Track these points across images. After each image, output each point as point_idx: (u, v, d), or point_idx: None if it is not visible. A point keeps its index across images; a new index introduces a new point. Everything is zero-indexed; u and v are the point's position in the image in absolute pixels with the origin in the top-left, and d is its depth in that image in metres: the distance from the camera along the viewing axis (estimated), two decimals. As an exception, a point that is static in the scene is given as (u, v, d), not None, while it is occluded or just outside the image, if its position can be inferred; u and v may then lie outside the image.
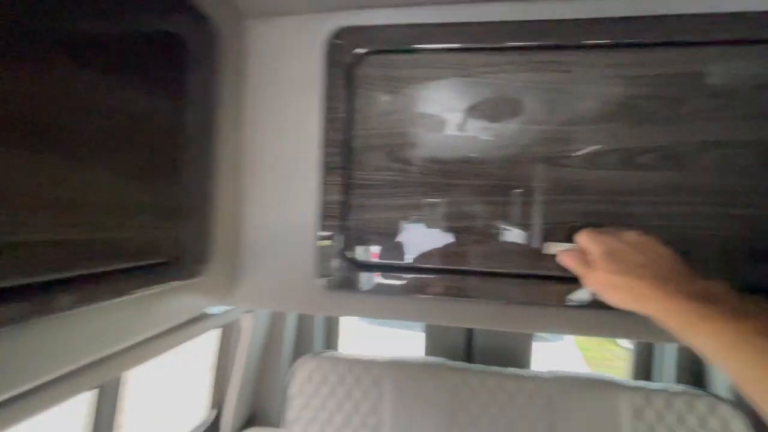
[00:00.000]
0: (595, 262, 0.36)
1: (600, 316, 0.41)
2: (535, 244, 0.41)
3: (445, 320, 0.42)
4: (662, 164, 0.39)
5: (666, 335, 0.43)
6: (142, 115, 0.32)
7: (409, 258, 0.42)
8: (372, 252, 0.42)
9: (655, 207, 0.39)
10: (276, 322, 1.05)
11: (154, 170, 0.34)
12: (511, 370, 0.88)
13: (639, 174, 0.39)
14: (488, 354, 0.99)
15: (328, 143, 0.42)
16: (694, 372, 0.96)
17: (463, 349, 1.02)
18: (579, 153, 0.40)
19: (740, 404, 0.81)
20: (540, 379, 0.84)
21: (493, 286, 0.41)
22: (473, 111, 0.40)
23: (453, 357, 0.97)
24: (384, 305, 0.42)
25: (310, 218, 0.43)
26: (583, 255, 0.38)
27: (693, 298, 0.30)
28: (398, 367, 0.89)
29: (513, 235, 0.41)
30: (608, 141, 0.39)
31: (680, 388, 0.82)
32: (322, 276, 0.42)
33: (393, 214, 0.42)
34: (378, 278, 0.42)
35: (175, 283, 0.36)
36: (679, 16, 0.38)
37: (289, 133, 0.44)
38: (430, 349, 1.04)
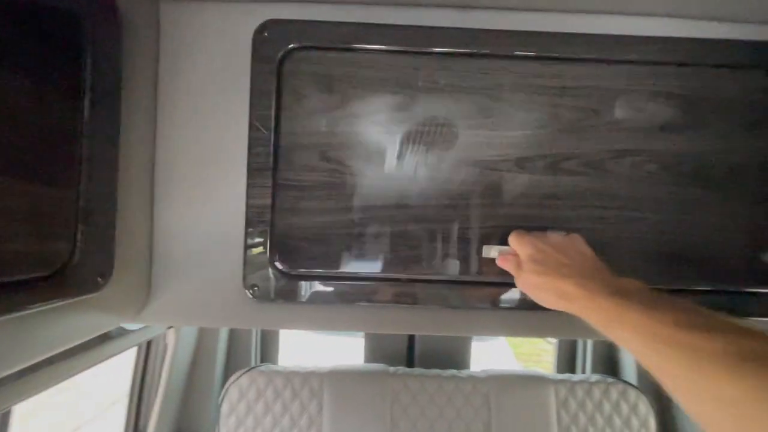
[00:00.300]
0: (522, 264, 0.37)
1: (533, 317, 0.42)
2: (471, 248, 0.41)
3: (384, 329, 0.41)
4: (583, 170, 0.42)
5: (593, 332, 0.46)
6: (21, 104, 0.27)
7: (343, 265, 0.40)
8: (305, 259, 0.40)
9: (579, 210, 0.42)
10: (206, 336, 0.98)
11: (40, 169, 0.29)
12: (449, 372, 0.90)
13: (564, 179, 0.42)
14: (429, 357, 1.00)
15: (255, 142, 0.39)
16: (608, 362, 1.06)
17: (405, 353, 1.03)
18: (510, 158, 0.41)
19: (645, 388, 0.91)
20: (476, 379, 0.87)
21: (432, 291, 0.41)
22: (408, 114, 0.40)
23: (394, 362, 0.97)
24: (319, 316, 0.40)
25: (236, 223, 0.39)
26: (516, 257, 0.39)
27: (612, 295, 0.31)
28: (337, 376, 0.87)
29: (450, 239, 0.41)
30: (536, 147, 0.41)
31: (597, 377, 0.89)
32: (251, 286, 0.39)
33: (326, 218, 0.40)
34: (311, 287, 0.40)
35: (69, 300, 0.31)
36: (594, 36, 0.41)
37: (212, 131, 0.40)
38: (370, 356, 1.03)
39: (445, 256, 0.41)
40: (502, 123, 0.41)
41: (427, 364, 0.96)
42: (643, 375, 0.97)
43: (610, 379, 0.89)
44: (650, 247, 0.42)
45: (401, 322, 0.41)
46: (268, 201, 0.39)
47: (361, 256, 0.40)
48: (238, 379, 0.88)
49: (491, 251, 0.41)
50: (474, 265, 0.41)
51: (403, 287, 0.41)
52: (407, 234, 0.41)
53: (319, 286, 0.40)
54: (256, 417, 0.85)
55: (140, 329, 0.74)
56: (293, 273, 0.39)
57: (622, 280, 0.33)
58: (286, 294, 0.39)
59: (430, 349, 1.01)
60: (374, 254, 0.41)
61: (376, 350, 1.03)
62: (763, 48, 0.41)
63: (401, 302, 0.40)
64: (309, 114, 0.39)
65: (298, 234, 0.39)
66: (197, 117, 0.40)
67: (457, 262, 0.41)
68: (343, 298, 0.40)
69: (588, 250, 0.37)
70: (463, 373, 0.90)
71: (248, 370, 0.89)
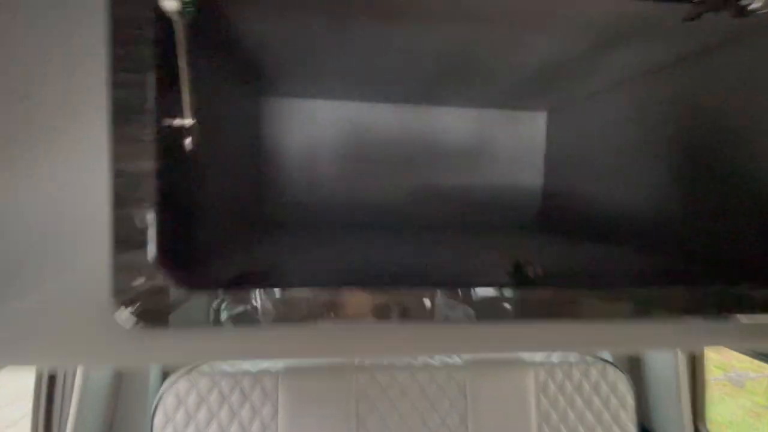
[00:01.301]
0: None
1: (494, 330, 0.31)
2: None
3: (330, 353, 0.28)
4: None
5: (573, 343, 0.35)
6: None
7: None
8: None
9: None
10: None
11: None
12: (421, 359, 0.81)
13: None
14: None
15: (119, 68, 0.23)
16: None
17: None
18: None
19: (620, 365, 0.87)
20: (451, 367, 0.79)
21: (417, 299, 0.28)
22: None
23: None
24: (237, 342, 0.27)
25: (95, 202, 0.24)
26: None
27: None
28: (294, 373, 0.75)
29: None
30: None
31: (576, 357, 0.84)
32: (126, 303, 0.25)
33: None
34: (226, 302, 0.26)
35: None
36: None
37: (48, 56, 0.24)
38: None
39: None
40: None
41: None
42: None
43: (588, 359, 0.84)
44: None
45: (370, 344, 0.28)
46: (149, 164, 0.24)
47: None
48: (174, 383, 0.74)
49: None
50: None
51: (347, 296, 0.27)
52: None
53: (239, 299, 0.26)
54: (197, 426, 0.73)
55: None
56: (196, 278, 0.25)
57: None
58: (186, 313, 0.25)
59: None
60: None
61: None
62: None
63: (382, 318, 0.27)
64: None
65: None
66: (33, 49, 0.24)
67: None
68: (280, 317, 0.26)
69: None
70: (437, 360, 0.81)
71: (187, 373, 0.75)
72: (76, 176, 0.24)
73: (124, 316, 0.24)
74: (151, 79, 0.23)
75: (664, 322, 0.30)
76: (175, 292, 0.25)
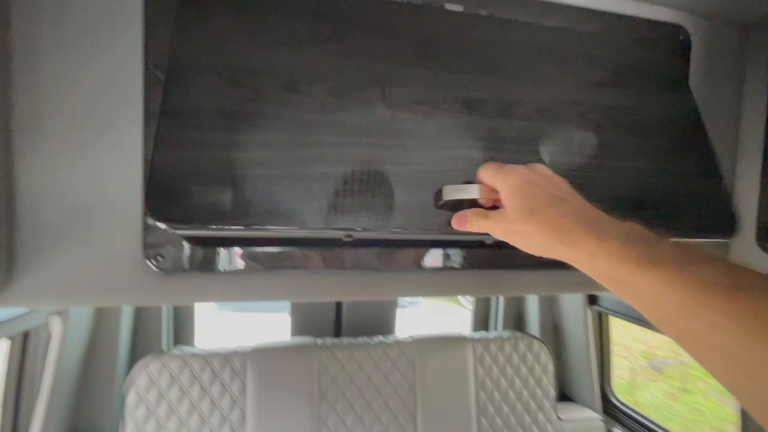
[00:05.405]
0: (504, 202, 0.29)
1: (454, 277, 0.44)
2: (413, 194, 0.35)
3: (310, 297, 0.39)
4: (534, 116, 0.40)
5: (511, 288, 0.48)
6: None
7: (260, 219, 0.33)
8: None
9: (531, 156, 0.39)
10: (105, 320, 0.85)
11: None
12: (377, 339, 0.92)
13: (515, 123, 0.39)
14: (356, 326, 1.01)
15: (153, 82, 0.32)
16: (516, 318, 1.19)
17: (332, 324, 1.02)
18: (458, 98, 0.38)
19: (546, 340, 1.03)
20: (402, 344, 0.90)
21: (362, 255, 0.39)
22: (338, 47, 0.36)
23: (322, 334, 0.96)
24: (236, 287, 0.36)
25: (131, 181, 0.33)
26: (477, 210, 0.32)
27: (627, 240, 0.24)
28: (261, 353, 0.83)
29: (385, 183, 0.35)
30: (486, 91, 0.39)
31: (508, 333, 0.99)
32: (154, 256, 0.33)
33: (234, 153, 0.31)
34: (227, 254, 0.35)
35: None
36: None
37: (95, 68, 0.32)
38: (297, 329, 1.01)
39: (385, 205, 0.35)
40: (451, 65, 0.39)
41: (355, 332, 0.97)
42: (544, 329, 1.11)
43: (518, 334, 0.99)
44: (611, 193, 0.41)
45: (329, 289, 0.39)
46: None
47: (280, 207, 0.33)
48: (146, 366, 0.79)
49: (453, 192, 0.33)
50: (415, 215, 0.35)
51: (333, 252, 0.38)
52: (334, 178, 0.34)
53: (236, 252, 0.36)
54: (169, 405, 0.78)
55: (14, 318, 0.62)
56: (204, 237, 0.34)
57: (627, 224, 0.26)
58: (198, 263, 0.34)
59: (358, 319, 1.02)
60: (296, 204, 0.34)
61: (303, 324, 1.00)
62: (662, 26, 0.47)
63: (331, 268, 0.38)
64: (216, 37, 0.32)
65: (201, 177, 0.31)
66: (74, 51, 0.32)
67: (400, 212, 0.34)
68: (264, 265, 0.36)
69: (574, 190, 0.30)
70: (390, 338, 0.92)
71: (158, 356, 0.80)
72: (119, 161, 0.32)
73: (153, 265, 0.33)
74: None
75: None
76: (189, 246, 0.34)
